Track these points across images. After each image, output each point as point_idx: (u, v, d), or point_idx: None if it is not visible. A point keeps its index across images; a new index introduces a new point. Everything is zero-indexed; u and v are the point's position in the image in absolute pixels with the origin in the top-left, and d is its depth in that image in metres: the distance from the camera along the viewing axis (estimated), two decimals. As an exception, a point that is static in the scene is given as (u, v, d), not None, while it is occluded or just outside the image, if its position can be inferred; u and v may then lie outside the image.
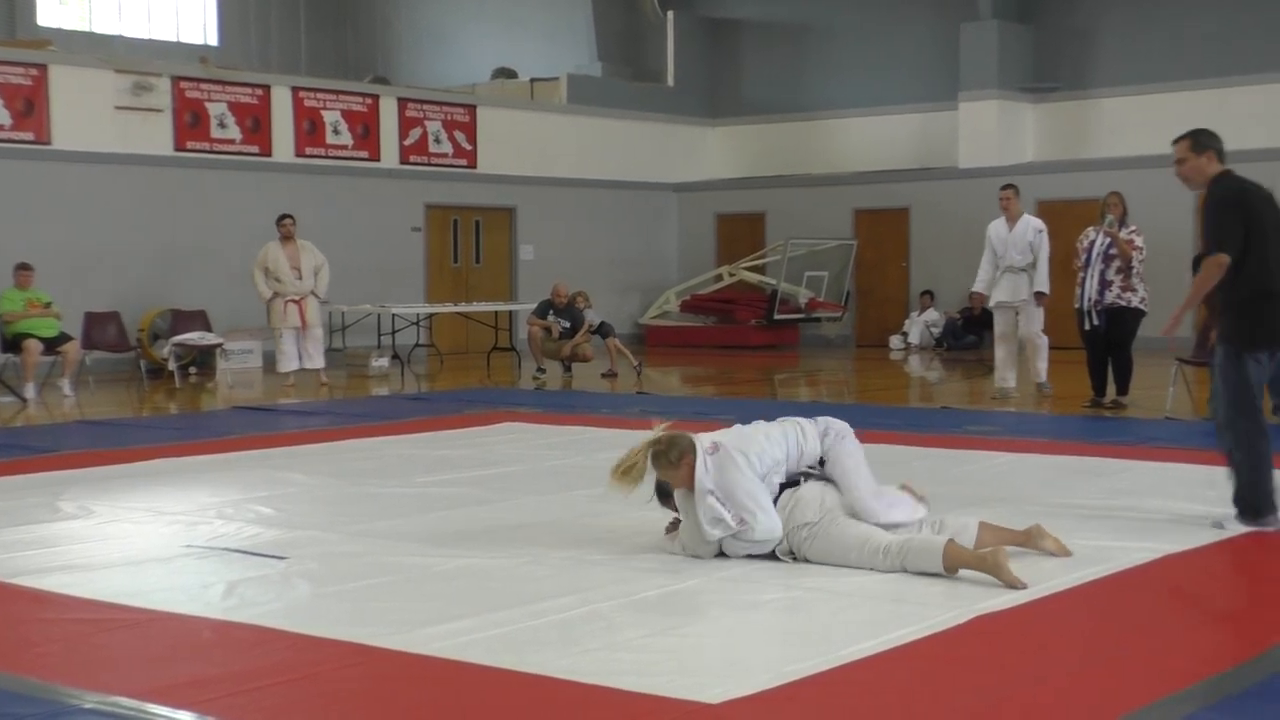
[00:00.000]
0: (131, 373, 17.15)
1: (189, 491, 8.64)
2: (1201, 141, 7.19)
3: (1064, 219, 20.03)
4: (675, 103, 25.23)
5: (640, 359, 17.39)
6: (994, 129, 22.07)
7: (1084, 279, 12.72)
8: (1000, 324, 13.91)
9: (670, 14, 25.29)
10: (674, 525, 6.55)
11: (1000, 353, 13.97)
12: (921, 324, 22.15)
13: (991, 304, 13.91)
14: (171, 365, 16.83)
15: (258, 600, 5.80)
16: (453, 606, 5.63)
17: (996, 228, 13.84)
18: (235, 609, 5.65)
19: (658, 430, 6.42)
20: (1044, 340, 13.82)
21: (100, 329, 17.10)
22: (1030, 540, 6.37)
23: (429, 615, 5.46)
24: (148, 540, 7.11)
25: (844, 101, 24.15)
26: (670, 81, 25.42)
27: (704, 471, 6.20)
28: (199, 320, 17.98)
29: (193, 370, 17.73)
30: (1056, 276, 17.52)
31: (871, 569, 6.03)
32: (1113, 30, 21.87)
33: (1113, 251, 12.52)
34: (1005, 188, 13.91)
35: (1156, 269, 19.04)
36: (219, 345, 17.44)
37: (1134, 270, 12.53)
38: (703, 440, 6.31)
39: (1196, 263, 11.60)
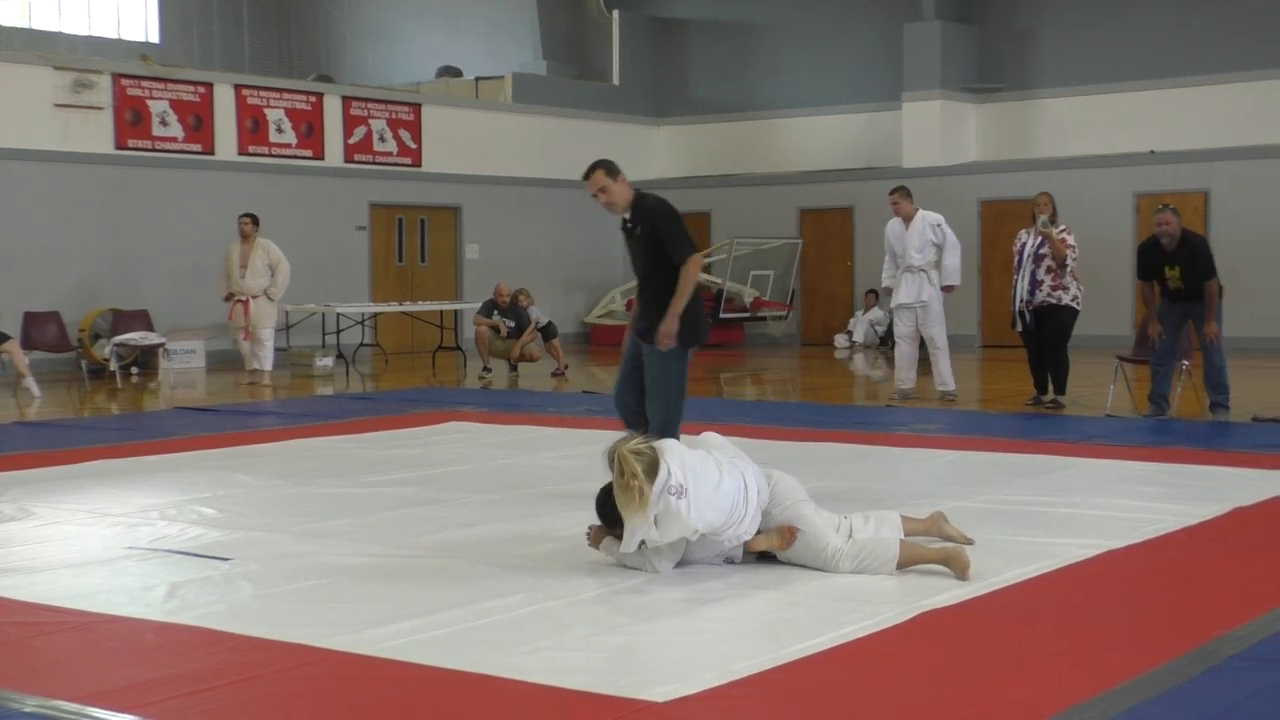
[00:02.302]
0: (72, 373, 17.00)
1: (131, 493, 8.57)
2: (613, 168, 7.82)
3: (1007, 219, 20.24)
4: (621, 102, 25.23)
5: (566, 365, 17.34)
6: (937, 129, 22.20)
7: (1016, 280, 12.76)
8: (901, 325, 13.66)
9: (615, 13, 25.30)
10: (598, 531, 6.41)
11: (899, 353, 13.77)
12: (866, 323, 22.27)
13: (893, 305, 13.82)
14: (113, 365, 16.69)
15: (201, 602, 5.76)
16: (398, 607, 5.61)
17: (893, 227, 13.55)
18: (178, 611, 5.60)
19: (635, 442, 6.03)
20: (944, 343, 13.51)
21: (40, 329, 16.94)
22: (934, 527, 6.51)
23: (374, 616, 5.44)
24: (89, 542, 7.05)
25: (789, 101, 24.24)
26: (615, 80, 25.43)
27: (652, 506, 5.85)
28: (140, 320, 17.84)
29: (134, 370, 17.59)
30: (997, 275, 17.58)
31: (831, 571, 6.06)
32: (1054, 31, 22.05)
33: (1043, 251, 12.56)
34: (894, 191, 13.58)
35: (1096, 267, 19.29)
36: (161, 345, 17.31)
37: (1067, 268, 12.58)
38: (674, 473, 5.89)
39: (1142, 253, 11.70)
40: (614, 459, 5.91)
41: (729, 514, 6.04)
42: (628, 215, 7.85)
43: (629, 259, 8.24)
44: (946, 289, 13.45)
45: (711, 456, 6.19)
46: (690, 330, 7.78)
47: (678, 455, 6.02)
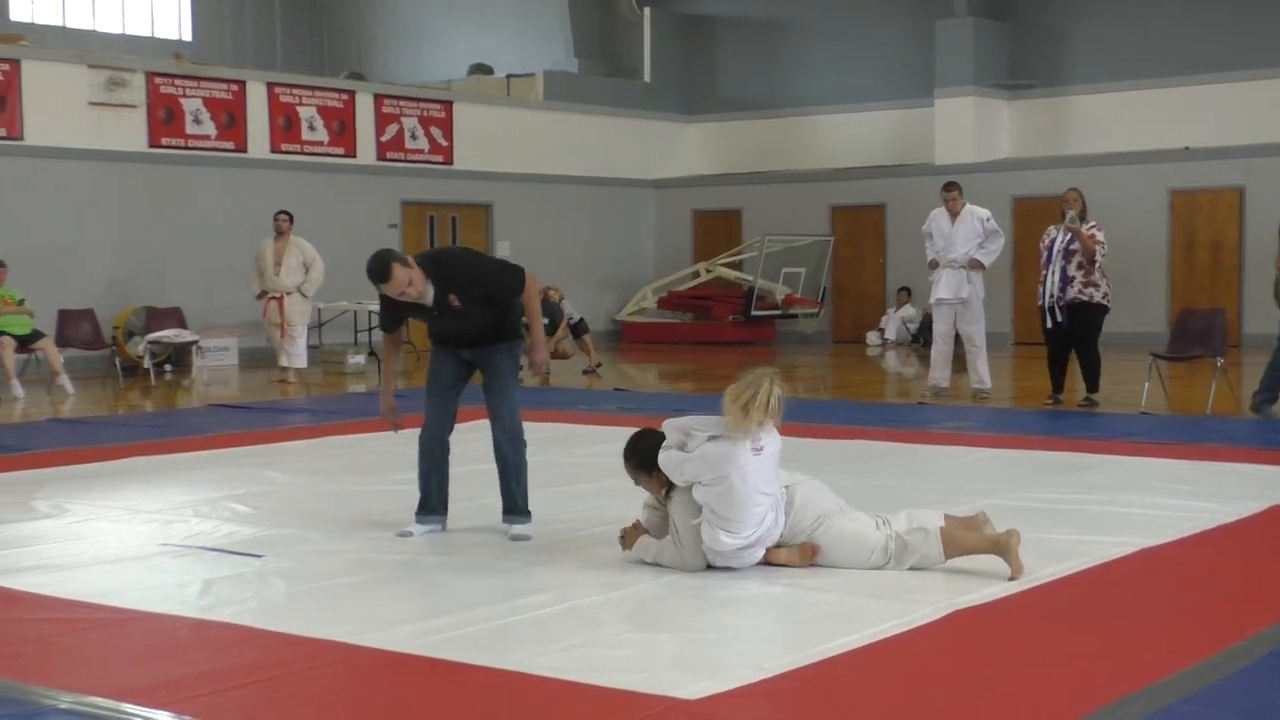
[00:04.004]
0: (106, 370, 17.07)
1: (165, 490, 8.61)
2: (403, 257, 6.84)
3: (1040, 216, 20.09)
4: (652, 99, 25.22)
5: (599, 362, 17.32)
6: (970, 126, 22.12)
7: (1045, 276, 12.65)
8: (940, 322, 13.60)
9: (647, 10, 25.28)
10: (634, 526, 6.42)
11: (936, 350, 13.70)
12: (898, 320, 22.21)
13: (932, 300, 13.77)
14: (147, 363, 16.77)
15: (234, 599, 5.78)
16: (430, 604, 5.63)
17: (939, 221, 13.49)
18: (211, 608, 5.62)
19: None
20: (983, 341, 13.44)
21: (74, 327, 17.01)
22: (975, 527, 6.42)
23: (406, 613, 5.46)
24: (123, 539, 7.08)
25: (820, 98, 24.18)
26: (647, 78, 25.41)
27: (724, 453, 5.91)
28: (174, 317, 17.90)
29: (168, 368, 17.67)
30: (1029, 272, 17.50)
31: (874, 568, 6.04)
32: (1087, 28, 21.93)
33: (1074, 247, 12.46)
34: (953, 187, 13.50)
35: (1130, 264, 19.20)
36: (194, 343, 17.38)
37: (1097, 265, 12.48)
38: (774, 439, 6.08)
39: None
40: (758, 381, 5.92)
41: (744, 525, 5.95)
42: (427, 299, 6.92)
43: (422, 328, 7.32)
44: (975, 263, 13.29)
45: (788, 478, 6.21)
46: (520, 326, 7.28)
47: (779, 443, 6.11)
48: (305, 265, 16.52)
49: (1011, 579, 5.85)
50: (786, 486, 6.20)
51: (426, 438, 7.22)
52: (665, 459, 6.05)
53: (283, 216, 16.50)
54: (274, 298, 16.42)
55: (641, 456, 6.22)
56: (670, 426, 6.13)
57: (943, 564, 6.03)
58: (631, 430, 6.44)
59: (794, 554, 6.10)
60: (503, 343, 7.14)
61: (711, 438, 5.96)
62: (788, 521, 6.12)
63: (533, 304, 7.12)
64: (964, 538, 6.09)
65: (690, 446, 6.00)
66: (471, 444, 10.50)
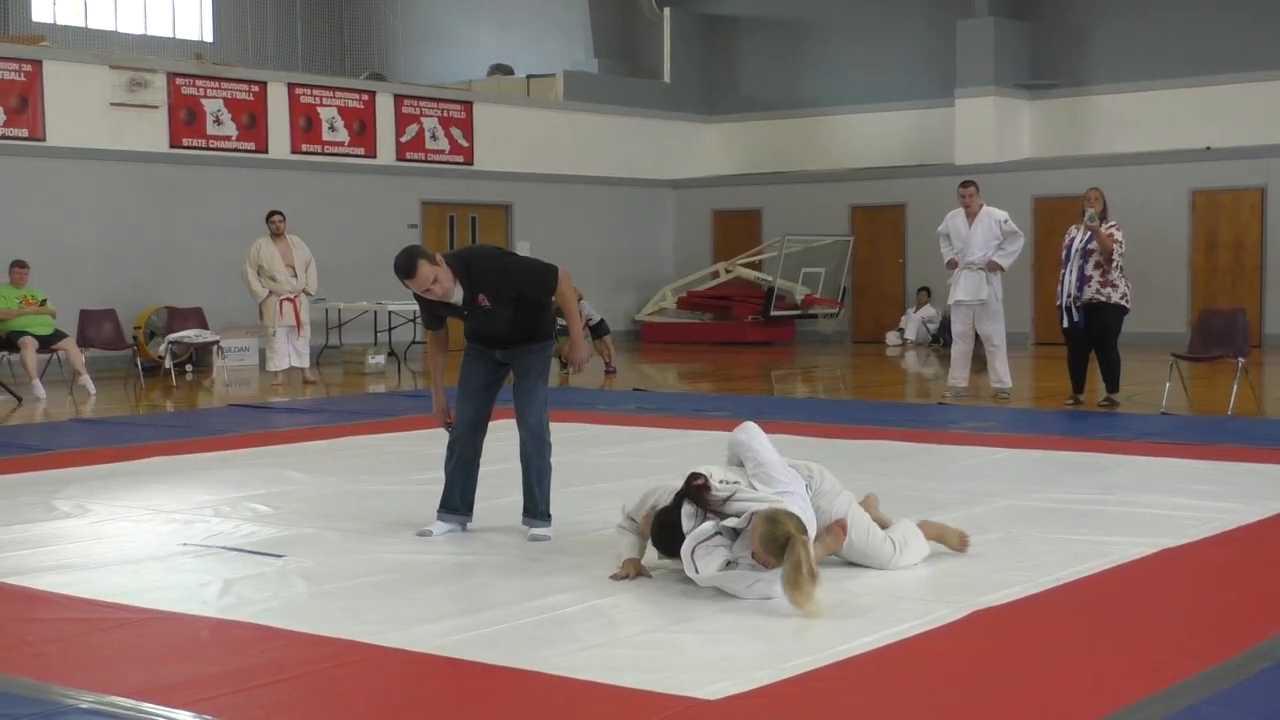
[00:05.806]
0: (127, 370, 17.13)
1: (185, 490, 8.63)
2: (430, 254, 6.72)
3: (1060, 215, 20.09)
4: (672, 99, 25.22)
5: (615, 368, 17.29)
6: (990, 126, 22.07)
7: (1063, 275, 12.62)
8: (958, 323, 13.58)
9: (667, 10, 25.28)
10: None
11: (956, 351, 13.69)
12: (918, 320, 22.18)
13: (950, 301, 13.75)
14: (168, 363, 16.83)
15: (255, 598, 5.80)
16: (450, 604, 5.63)
17: (955, 222, 13.46)
18: (232, 607, 5.64)
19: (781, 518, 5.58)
20: (1002, 340, 13.38)
21: (95, 326, 17.06)
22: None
23: (426, 613, 5.47)
24: (144, 539, 7.11)
25: (841, 98, 24.16)
26: (667, 78, 25.41)
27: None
28: (195, 318, 17.94)
29: (189, 368, 17.73)
30: (1050, 272, 17.50)
31: (886, 559, 6.07)
32: (1109, 27, 21.87)
33: (1091, 246, 12.42)
34: (969, 184, 13.46)
35: (1150, 264, 19.15)
36: (215, 343, 17.42)
37: (1115, 264, 12.43)
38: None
39: None
40: (789, 544, 5.43)
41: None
42: (455, 298, 6.82)
43: (471, 329, 7.09)
44: (993, 265, 13.25)
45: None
46: (553, 327, 7.22)
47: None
48: (305, 266, 16.47)
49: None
50: (810, 472, 6.17)
51: (456, 437, 7.19)
52: (686, 561, 5.74)
53: (278, 217, 16.38)
54: (287, 299, 16.31)
55: (666, 545, 5.92)
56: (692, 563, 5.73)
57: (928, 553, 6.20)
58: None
59: (826, 542, 5.96)
60: (535, 343, 7.06)
61: (728, 563, 5.68)
62: (820, 509, 6.05)
63: (568, 302, 7.04)
64: (926, 527, 6.35)
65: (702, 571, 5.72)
66: (496, 444, 10.53)
